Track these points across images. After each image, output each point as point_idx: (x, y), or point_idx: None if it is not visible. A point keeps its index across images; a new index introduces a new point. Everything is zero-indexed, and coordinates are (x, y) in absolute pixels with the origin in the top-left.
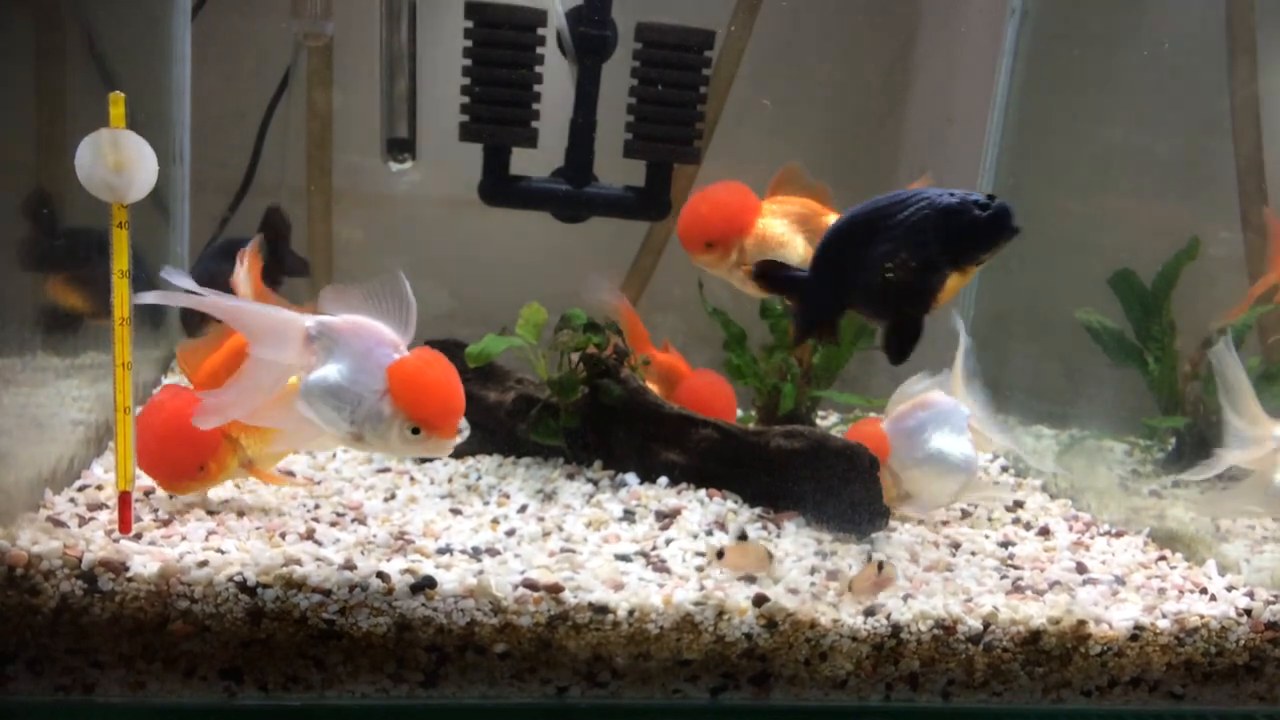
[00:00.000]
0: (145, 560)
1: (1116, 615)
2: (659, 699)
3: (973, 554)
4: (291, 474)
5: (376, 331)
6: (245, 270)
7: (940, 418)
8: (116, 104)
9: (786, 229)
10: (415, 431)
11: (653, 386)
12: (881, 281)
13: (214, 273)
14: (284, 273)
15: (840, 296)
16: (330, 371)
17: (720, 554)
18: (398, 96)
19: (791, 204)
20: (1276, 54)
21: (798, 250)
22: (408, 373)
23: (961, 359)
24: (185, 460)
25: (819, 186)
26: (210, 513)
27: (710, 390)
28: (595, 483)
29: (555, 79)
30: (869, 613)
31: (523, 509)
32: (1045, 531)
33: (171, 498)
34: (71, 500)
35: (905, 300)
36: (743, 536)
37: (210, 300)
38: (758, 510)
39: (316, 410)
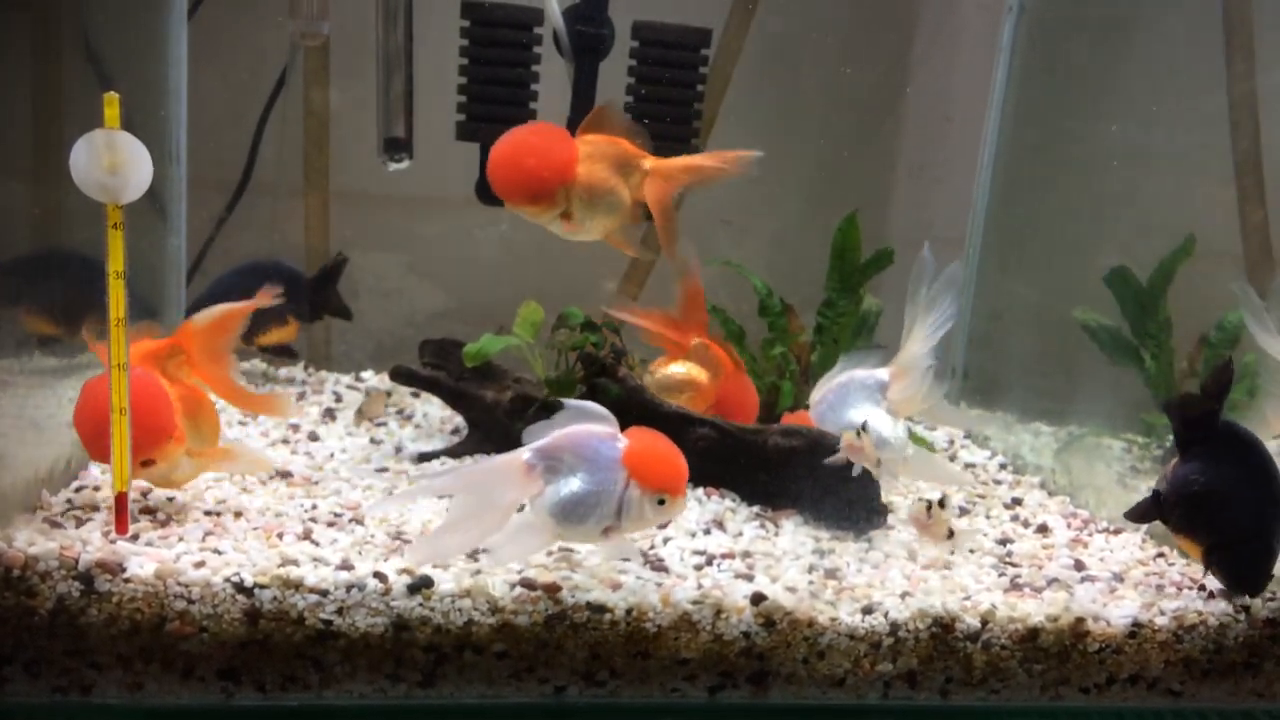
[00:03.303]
0: (142, 561)
1: (1115, 612)
2: (657, 698)
3: (971, 551)
4: (289, 474)
5: (591, 432)
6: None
7: (852, 390)
8: (111, 104)
9: (610, 173)
10: (661, 502)
11: (698, 369)
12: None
13: (235, 289)
14: (329, 313)
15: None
16: (570, 486)
17: (930, 507)
18: (394, 96)
19: (602, 144)
20: (1274, 50)
21: (624, 197)
22: (643, 453)
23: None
24: (144, 438)
25: (633, 127)
26: (207, 513)
27: (740, 399)
28: None
29: (552, 78)
30: (867, 611)
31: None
32: (1043, 529)
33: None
34: (68, 501)
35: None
36: (941, 504)
37: (429, 485)
38: (755, 508)
39: (568, 525)
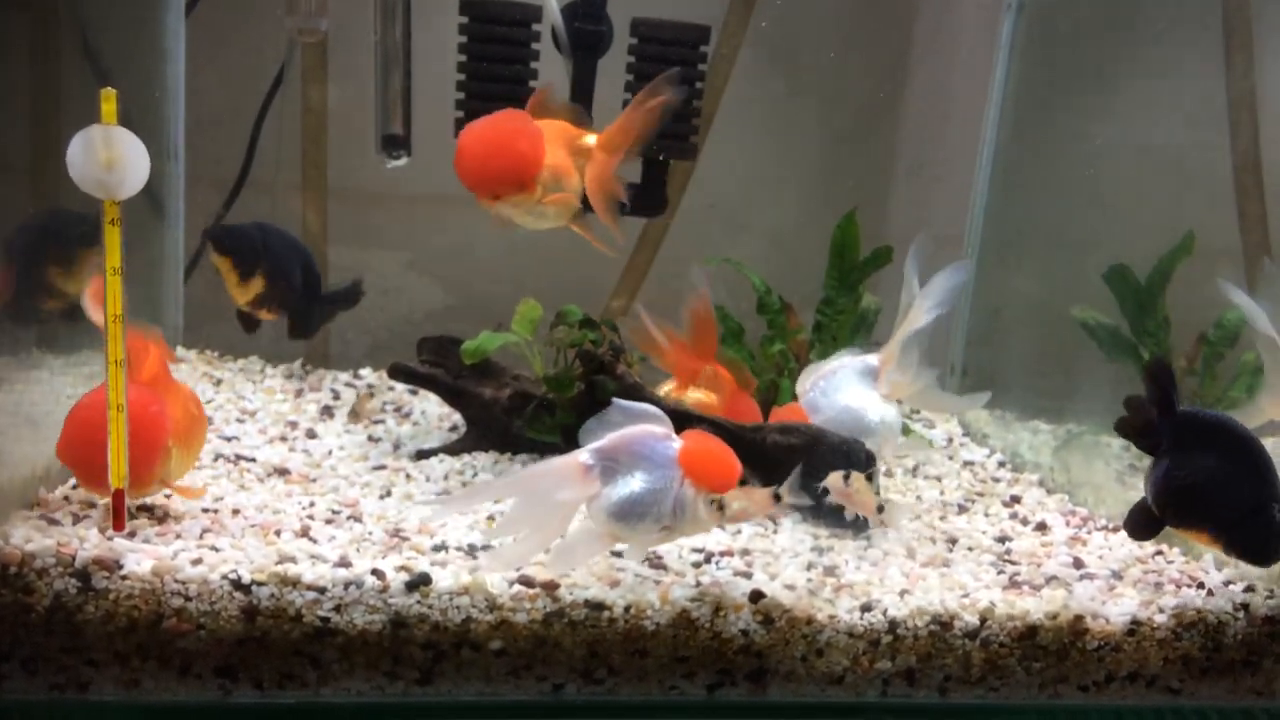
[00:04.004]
0: (139, 558)
1: (1113, 610)
2: (656, 695)
3: (969, 549)
4: (287, 471)
5: (647, 432)
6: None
7: (842, 375)
8: (108, 100)
9: (566, 156)
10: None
11: (708, 395)
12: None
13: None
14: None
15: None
16: (628, 486)
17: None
18: (392, 93)
19: (553, 128)
20: (1273, 49)
21: (578, 180)
22: (698, 452)
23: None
24: (141, 464)
25: (572, 108)
26: (205, 510)
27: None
28: None
29: (551, 75)
30: (865, 608)
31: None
32: (1042, 526)
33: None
34: (65, 498)
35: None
36: (869, 477)
37: (489, 489)
38: None
39: (625, 525)
